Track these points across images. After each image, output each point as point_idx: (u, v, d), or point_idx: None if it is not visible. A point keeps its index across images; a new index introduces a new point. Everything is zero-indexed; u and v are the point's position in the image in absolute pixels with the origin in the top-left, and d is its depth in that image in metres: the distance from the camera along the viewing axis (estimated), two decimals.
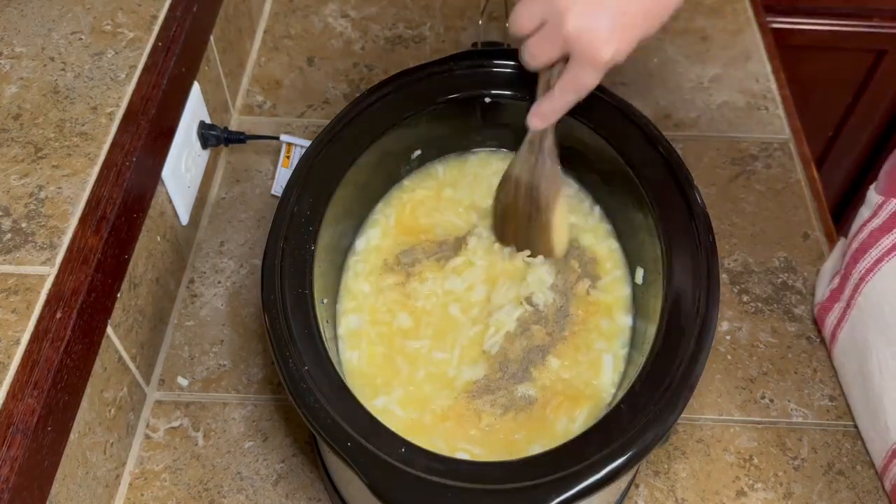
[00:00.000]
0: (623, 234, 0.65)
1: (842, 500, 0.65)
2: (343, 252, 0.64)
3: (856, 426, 0.69)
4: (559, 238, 0.64)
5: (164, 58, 0.68)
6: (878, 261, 0.65)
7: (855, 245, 0.68)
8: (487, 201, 0.67)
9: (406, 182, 0.69)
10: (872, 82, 1.29)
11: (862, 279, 0.66)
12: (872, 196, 0.68)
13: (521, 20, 0.55)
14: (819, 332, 0.74)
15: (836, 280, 0.70)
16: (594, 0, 0.51)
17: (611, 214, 0.66)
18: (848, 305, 0.68)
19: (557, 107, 0.57)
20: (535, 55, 0.56)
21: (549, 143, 0.60)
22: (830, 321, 0.71)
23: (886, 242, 0.65)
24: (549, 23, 0.53)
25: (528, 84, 0.64)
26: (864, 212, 0.68)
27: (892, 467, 0.64)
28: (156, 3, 0.71)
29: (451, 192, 0.68)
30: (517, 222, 0.64)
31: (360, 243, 0.65)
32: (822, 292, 0.73)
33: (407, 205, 0.67)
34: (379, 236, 0.66)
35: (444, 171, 0.69)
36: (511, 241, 0.65)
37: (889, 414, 0.63)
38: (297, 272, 0.55)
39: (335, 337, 0.61)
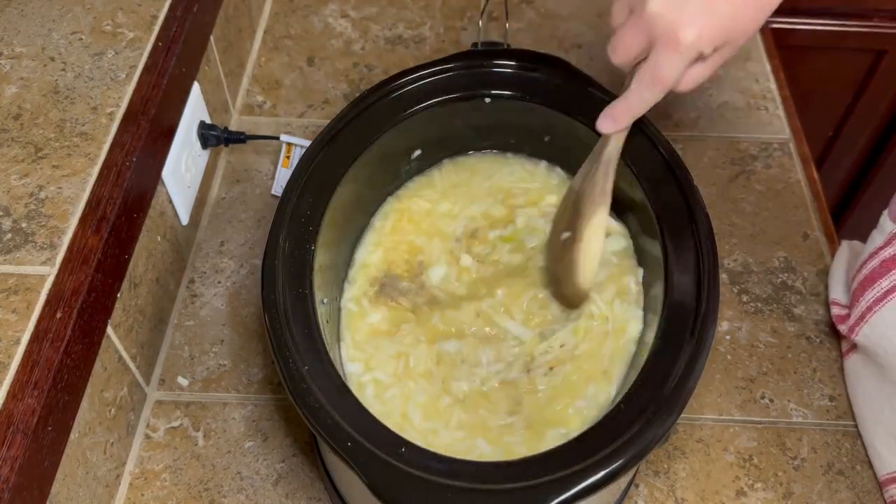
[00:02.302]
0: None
1: (842, 500, 0.65)
2: (343, 252, 0.64)
3: (856, 426, 0.69)
4: (586, 263, 0.58)
5: (165, 58, 0.68)
6: (889, 292, 0.63)
7: (865, 272, 0.66)
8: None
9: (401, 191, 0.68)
10: (872, 82, 1.29)
11: (869, 308, 0.65)
12: (886, 223, 0.66)
13: (615, 15, 0.53)
14: (826, 339, 0.74)
15: (844, 302, 0.70)
16: None
17: (611, 215, 0.66)
18: (852, 331, 0.67)
19: (633, 104, 0.54)
20: (619, 45, 0.52)
21: (610, 153, 0.57)
22: (842, 331, 0.70)
23: None
24: (635, 10, 0.51)
25: (528, 84, 0.64)
26: (876, 237, 0.67)
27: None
28: (156, 3, 0.71)
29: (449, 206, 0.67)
30: (558, 232, 0.61)
31: (357, 255, 0.65)
32: (834, 293, 0.72)
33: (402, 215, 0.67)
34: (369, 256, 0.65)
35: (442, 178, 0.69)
36: (554, 252, 0.61)
37: None
38: (297, 272, 0.55)
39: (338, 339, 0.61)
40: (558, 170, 0.68)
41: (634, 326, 0.59)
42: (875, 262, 0.65)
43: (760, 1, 0.50)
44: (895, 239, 0.64)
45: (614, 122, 0.55)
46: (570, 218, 0.60)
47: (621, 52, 0.53)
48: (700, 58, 0.50)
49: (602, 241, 0.59)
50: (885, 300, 0.64)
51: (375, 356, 0.59)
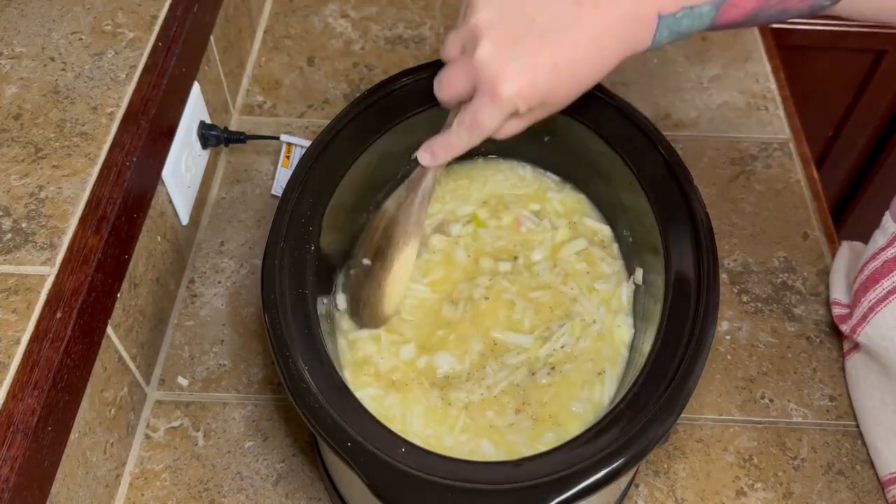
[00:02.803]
0: (622, 235, 0.65)
1: (842, 500, 0.65)
2: (343, 252, 0.64)
3: (856, 426, 0.69)
4: (393, 292, 0.60)
5: (165, 58, 0.68)
6: (891, 293, 0.63)
7: (867, 273, 0.66)
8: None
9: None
10: (872, 82, 1.29)
11: (871, 309, 0.65)
12: (888, 224, 0.66)
13: (448, 48, 0.53)
14: (826, 339, 0.74)
15: (845, 301, 0.70)
16: (510, 36, 0.49)
17: (610, 215, 0.66)
18: (854, 331, 0.67)
19: (452, 142, 0.54)
20: (444, 82, 0.53)
21: (427, 185, 0.57)
22: (844, 331, 0.70)
23: None
24: (466, 51, 0.51)
25: None
26: (878, 238, 0.66)
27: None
28: (156, 3, 0.71)
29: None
30: (368, 255, 0.61)
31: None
32: (835, 293, 0.72)
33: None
34: None
35: None
36: (356, 277, 0.61)
37: None
38: (297, 272, 0.55)
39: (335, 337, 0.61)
40: (550, 174, 0.69)
41: (625, 332, 0.60)
42: (877, 263, 0.65)
43: (577, 79, 0.50)
44: None
45: (433, 156, 0.56)
46: (378, 244, 0.60)
47: (446, 89, 0.53)
48: (516, 113, 0.51)
49: (410, 271, 0.60)
50: (887, 301, 0.64)
51: (367, 363, 0.59)
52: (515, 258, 0.64)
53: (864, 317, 0.66)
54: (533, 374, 0.58)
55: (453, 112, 0.55)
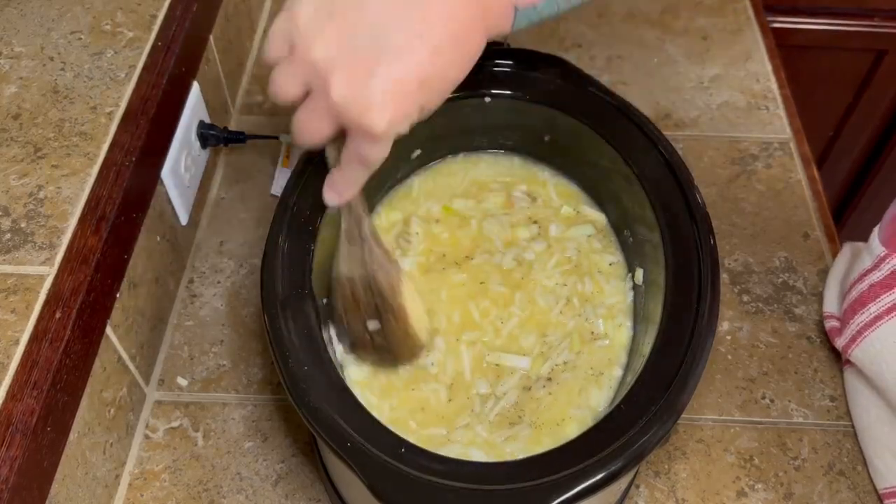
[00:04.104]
0: (623, 235, 0.65)
1: (842, 501, 0.65)
2: None
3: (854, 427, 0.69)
4: (418, 321, 0.57)
5: (164, 57, 0.68)
6: (878, 318, 0.63)
7: (854, 294, 0.66)
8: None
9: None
10: (872, 82, 1.29)
11: (860, 333, 0.64)
12: (875, 245, 0.65)
13: (283, 86, 0.48)
14: (827, 340, 0.74)
15: (838, 314, 0.70)
16: (360, 64, 0.44)
17: (610, 214, 0.66)
18: (846, 351, 0.67)
19: (350, 179, 0.51)
20: (306, 131, 0.49)
21: (367, 227, 0.55)
22: (837, 347, 0.70)
23: (887, 300, 0.62)
24: (314, 91, 0.46)
25: (528, 84, 0.64)
26: (865, 259, 0.66)
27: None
28: (156, 2, 0.71)
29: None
30: (365, 323, 0.57)
31: None
32: (828, 306, 0.72)
33: None
34: None
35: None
36: (368, 343, 0.57)
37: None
38: (297, 272, 0.55)
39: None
40: (542, 166, 0.69)
41: (624, 334, 0.60)
42: (864, 286, 0.65)
43: (448, 80, 0.47)
44: (883, 262, 0.64)
45: (339, 194, 0.53)
46: (374, 301, 0.56)
47: (311, 136, 0.49)
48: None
49: (418, 300, 0.58)
50: (875, 325, 0.63)
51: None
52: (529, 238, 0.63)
53: (854, 339, 0.65)
54: (529, 389, 0.58)
55: (330, 146, 0.52)
